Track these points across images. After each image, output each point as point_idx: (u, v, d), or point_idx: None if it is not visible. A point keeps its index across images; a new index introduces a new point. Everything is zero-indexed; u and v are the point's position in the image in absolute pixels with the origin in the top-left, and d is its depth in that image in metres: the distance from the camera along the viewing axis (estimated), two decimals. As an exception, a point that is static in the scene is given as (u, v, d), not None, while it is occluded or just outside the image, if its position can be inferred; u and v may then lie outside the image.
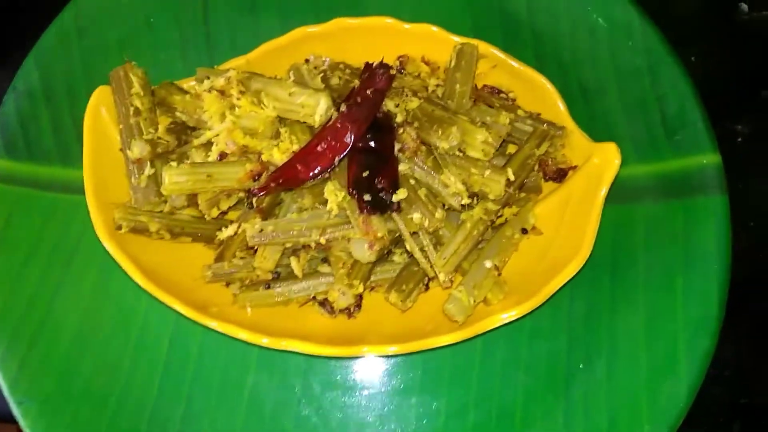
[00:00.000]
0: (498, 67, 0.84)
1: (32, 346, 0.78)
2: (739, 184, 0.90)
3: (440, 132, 0.70)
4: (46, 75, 0.88)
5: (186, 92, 0.78)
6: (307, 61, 0.84)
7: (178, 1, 0.92)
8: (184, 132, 0.78)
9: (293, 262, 0.75)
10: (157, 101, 0.78)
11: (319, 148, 0.67)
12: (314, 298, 0.77)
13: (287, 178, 0.68)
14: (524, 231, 0.78)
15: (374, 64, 0.73)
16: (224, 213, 0.77)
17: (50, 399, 0.77)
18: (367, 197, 0.67)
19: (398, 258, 0.77)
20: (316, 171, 0.68)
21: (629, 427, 0.76)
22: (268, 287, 0.76)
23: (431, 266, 0.72)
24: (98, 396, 0.77)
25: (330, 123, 0.69)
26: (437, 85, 0.82)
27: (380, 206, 0.67)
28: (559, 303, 0.80)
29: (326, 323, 0.77)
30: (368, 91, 0.69)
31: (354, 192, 0.68)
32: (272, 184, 0.68)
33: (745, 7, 1.03)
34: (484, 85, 0.85)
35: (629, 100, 0.88)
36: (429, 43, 0.84)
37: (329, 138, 0.67)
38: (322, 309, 0.77)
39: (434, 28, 0.84)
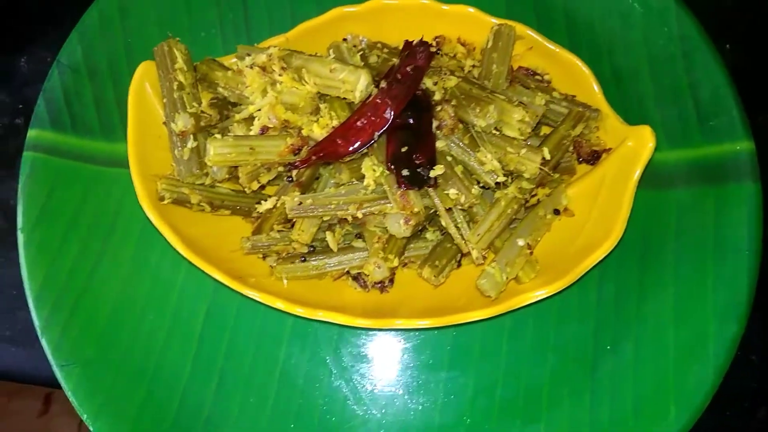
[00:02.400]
0: (534, 49, 0.84)
1: (73, 313, 0.81)
2: None
3: (477, 110, 0.71)
4: (89, 51, 0.90)
5: (227, 69, 0.79)
6: (345, 40, 0.85)
7: (216, -21, 0.94)
8: (225, 107, 0.79)
9: (329, 237, 0.76)
10: (199, 77, 0.80)
11: (359, 124, 0.69)
12: (348, 272, 0.79)
13: (327, 152, 0.70)
14: (557, 212, 0.78)
15: (414, 42, 0.74)
16: (263, 187, 0.78)
17: (91, 364, 0.79)
18: (405, 172, 0.68)
19: (431, 235, 0.78)
20: (355, 146, 0.69)
21: (655, 409, 0.77)
22: (304, 260, 0.77)
23: (465, 242, 0.73)
24: (136, 365, 0.80)
25: (370, 99, 0.70)
26: (473, 66, 0.83)
27: (418, 181, 0.69)
28: (589, 285, 0.81)
29: (359, 297, 0.79)
30: (408, 68, 0.70)
31: (392, 167, 0.69)
32: (313, 158, 0.70)
33: None
34: (520, 67, 0.85)
35: (663, 86, 0.88)
36: (465, 24, 0.85)
37: (369, 114, 0.69)
38: (356, 283, 0.79)
39: (471, 9, 0.84)
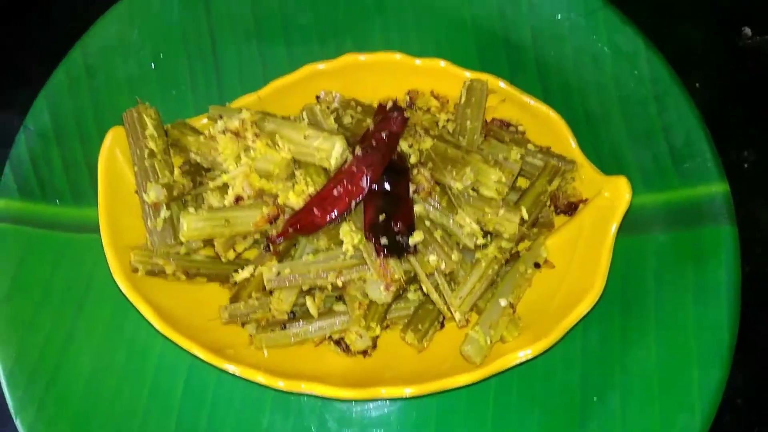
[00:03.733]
0: (507, 100, 0.84)
1: (48, 391, 0.78)
2: (746, 211, 0.90)
3: (454, 172, 0.70)
4: (57, 114, 0.88)
5: (200, 132, 0.78)
6: (317, 97, 0.85)
7: (185, 36, 0.93)
8: (198, 173, 0.78)
9: (309, 302, 0.75)
10: (170, 142, 0.79)
11: (335, 192, 0.68)
12: (330, 337, 0.77)
13: (304, 224, 0.69)
14: (537, 265, 0.78)
15: (388, 106, 0.73)
16: (240, 254, 0.77)
17: (67, 444, 0.76)
18: (383, 240, 0.68)
19: (413, 295, 0.78)
20: (332, 215, 0.68)
21: (645, 460, 0.76)
22: (284, 327, 0.76)
23: (447, 306, 0.72)
24: (114, 442, 0.77)
25: (345, 167, 0.69)
26: (447, 120, 0.83)
27: (397, 249, 0.68)
28: (572, 337, 0.80)
29: (342, 362, 0.77)
30: (383, 134, 0.69)
31: (371, 236, 0.68)
32: (289, 230, 0.69)
33: (748, 30, 1.03)
34: (494, 119, 0.86)
35: (636, 130, 0.88)
36: (438, 78, 0.85)
37: (345, 182, 0.68)
38: (338, 348, 0.77)
39: (443, 63, 0.84)
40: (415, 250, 0.69)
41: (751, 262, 0.91)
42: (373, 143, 0.69)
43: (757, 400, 0.89)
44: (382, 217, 0.68)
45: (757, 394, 0.89)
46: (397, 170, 0.70)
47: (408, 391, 0.71)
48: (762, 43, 1.03)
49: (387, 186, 0.69)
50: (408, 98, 0.86)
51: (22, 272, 0.82)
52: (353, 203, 0.68)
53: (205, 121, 0.82)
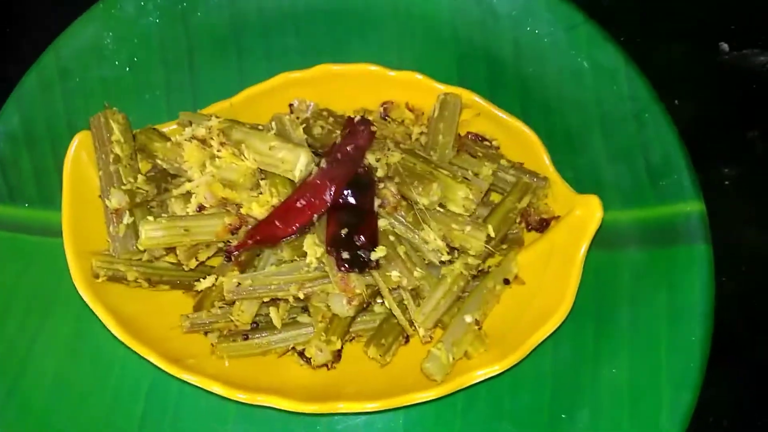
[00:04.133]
0: (482, 115, 0.84)
1: (10, 396, 0.77)
2: (728, 228, 0.90)
3: (421, 188, 0.69)
4: (28, 117, 0.87)
5: (167, 138, 0.77)
6: (291, 105, 0.84)
7: (162, 42, 0.92)
8: (164, 179, 0.77)
9: (272, 313, 0.74)
10: (137, 147, 0.78)
11: (298, 205, 0.67)
12: (293, 348, 0.76)
13: (265, 236, 0.68)
14: (506, 281, 0.77)
15: (356, 119, 0.73)
16: (202, 262, 0.76)
17: (26, 452, 0.76)
18: (345, 255, 0.67)
19: (378, 308, 0.77)
20: (294, 228, 0.67)
21: (613, 481, 0.75)
22: (247, 338, 0.75)
23: (410, 322, 0.71)
24: (74, 452, 0.76)
25: (310, 179, 0.69)
26: (421, 133, 0.82)
27: (358, 264, 0.67)
28: (543, 353, 0.79)
29: (305, 374, 0.76)
30: (349, 148, 0.69)
31: (332, 250, 0.67)
32: (250, 242, 0.68)
33: (725, 46, 1.02)
34: (468, 132, 0.85)
35: (614, 146, 0.88)
36: (413, 90, 0.84)
37: (308, 195, 0.67)
38: (301, 360, 0.76)
39: (419, 76, 0.84)
40: (377, 265, 0.68)
41: (735, 279, 0.90)
42: (339, 156, 0.68)
43: (743, 422, 0.87)
44: (344, 231, 0.67)
45: (743, 416, 0.88)
46: (363, 184, 0.69)
47: (370, 406, 0.70)
48: (740, 59, 1.02)
49: (351, 200, 0.69)
50: (382, 110, 0.85)
51: (-12, 275, 0.81)
52: (316, 216, 0.67)
53: (174, 126, 0.81)
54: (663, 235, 0.83)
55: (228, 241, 0.71)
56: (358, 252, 0.67)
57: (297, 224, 0.67)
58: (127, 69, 0.92)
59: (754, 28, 1.04)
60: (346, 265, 0.66)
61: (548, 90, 0.91)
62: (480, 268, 0.76)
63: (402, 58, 0.91)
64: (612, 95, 0.90)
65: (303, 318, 0.76)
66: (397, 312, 0.71)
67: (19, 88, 0.88)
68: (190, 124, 0.77)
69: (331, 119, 0.80)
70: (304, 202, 0.67)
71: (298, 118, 0.78)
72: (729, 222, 0.91)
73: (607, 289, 0.82)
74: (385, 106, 0.85)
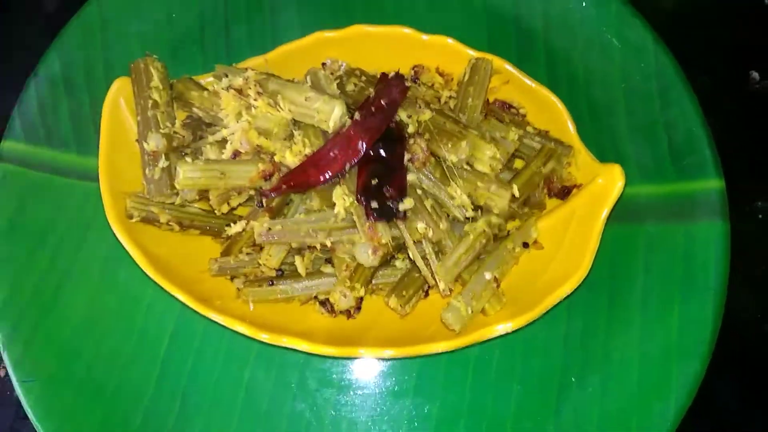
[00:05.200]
0: (511, 83, 0.85)
1: (38, 328, 0.80)
2: (761, 264, 0.91)
3: (450, 145, 0.71)
4: (68, 64, 0.90)
5: (204, 88, 0.79)
6: (323, 64, 0.85)
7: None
8: (199, 127, 0.79)
9: (297, 261, 0.76)
10: (175, 95, 0.80)
11: (331, 154, 0.69)
12: (316, 297, 0.79)
13: (298, 182, 0.70)
14: (525, 245, 0.79)
15: (390, 76, 0.74)
16: (233, 209, 0.78)
17: (52, 380, 0.78)
18: (374, 204, 0.69)
19: (400, 264, 0.79)
20: (327, 176, 0.69)
21: (617, 445, 0.77)
22: (272, 284, 0.77)
23: (432, 275, 0.73)
24: (98, 382, 0.79)
25: (343, 130, 0.70)
26: (450, 97, 0.83)
27: (386, 214, 0.69)
28: (557, 318, 0.81)
29: (326, 322, 0.79)
30: (382, 101, 0.70)
31: (362, 199, 0.69)
32: (283, 186, 0.70)
33: (756, 75, 1.02)
34: (496, 99, 0.86)
35: (637, 122, 0.89)
36: (444, 55, 0.86)
37: (342, 145, 0.69)
38: (323, 309, 0.79)
39: (450, 41, 0.85)
40: (404, 216, 0.70)
41: None
42: (372, 109, 0.70)
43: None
44: (374, 182, 0.69)
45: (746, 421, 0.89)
46: (394, 138, 0.71)
47: (387, 352, 0.72)
48: None
49: (382, 152, 0.70)
50: (413, 73, 0.87)
51: (22, 212, 0.84)
52: (348, 166, 0.69)
53: (210, 79, 0.83)
54: (681, 211, 0.84)
55: (261, 187, 0.73)
56: (387, 202, 0.68)
57: (329, 172, 0.69)
58: (165, 24, 0.94)
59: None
60: (375, 214, 0.68)
61: (576, 63, 0.92)
62: (501, 230, 0.78)
63: (434, 25, 0.92)
64: (638, 72, 0.91)
65: (326, 268, 0.78)
66: (420, 263, 0.73)
67: (62, 35, 0.90)
68: (227, 76, 0.78)
69: (363, 78, 0.81)
70: (337, 152, 0.68)
71: (332, 74, 0.79)
72: (760, 257, 0.91)
73: (623, 260, 0.84)
74: (415, 69, 0.86)
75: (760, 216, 0.95)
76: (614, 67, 0.92)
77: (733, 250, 0.83)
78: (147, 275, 0.76)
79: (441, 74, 0.86)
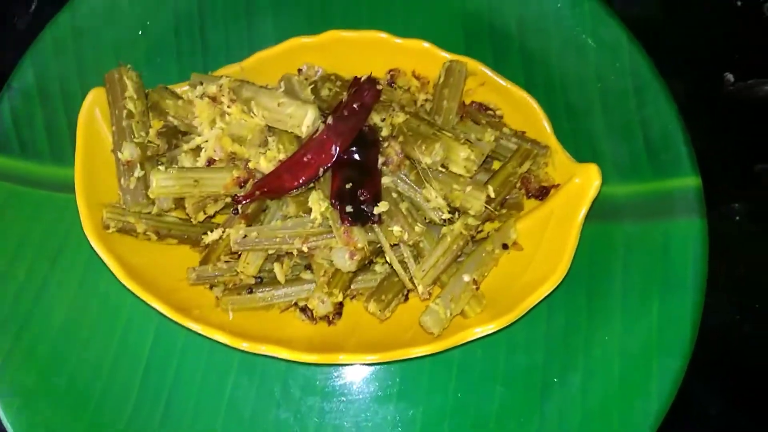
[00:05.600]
0: (486, 84, 0.85)
1: (17, 341, 0.79)
2: (741, 266, 0.91)
3: (424, 147, 0.71)
4: (42, 75, 0.89)
5: (179, 97, 0.79)
6: (300, 70, 0.86)
7: (174, 6, 0.94)
8: (175, 136, 0.79)
9: (276, 268, 0.76)
10: (150, 104, 0.80)
11: (305, 159, 0.69)
12: (296, 304, 0.78)
13: (273, 187, 0.70)
14: (505, 246, 0.79)
15: (362, 79, 0.74)
16: (211, 217, 0.78)
17: (32, 394, 0.78)
18: (349, 209, 0.69)
19: (379, 268, 0.79)
20: (301, 181, 0.69)
21: (600, 443, 0.77)
22: (251, 292, 0.77)
23: (411, 278, 0.73)
24: (79, 394, 0.78)
25: (316, 135, 0.70)
26: (426, 100, 0.84)
27: (361, 218, 0.69)
28: (538, 317, 0.82)
29: (306, 329, 0.78)
30: (355, 105, 0.70)
31: (336, 203, 0.69)
32: (257, 192, 0.70)
33: (730, 77, 1.01)
34: (472, 102, 0.86)
35: (614, 121, 0.90)
36: (420, 58, 0.86)
37: (315, 149, 0.69)
38: (303, 315, 0.79)
39: (425, 44, 0.85)
40: (379, 219, 0.70)
41: (749, 316, 0.91)
42: (345, 113, 0.70)
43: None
44: (348, 186, 0.69)
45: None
46: (368, 142, 0.71)
47: (369, 358, 0.72)
48: (745, 89, 1.01)
49: (356, 156, 0.70)
50: (389, 77, 0.87)
51: (-1, 225, 0.83)
52: (321, 170, 0.69)
53: (186, 87, 0.83)
54: (659, 209, 0.85)
55: (236, 195, 0.73)
56: (362, 206, 0.68)
57: (303, 177, 0.69)
58: (140, 32, 0.93)
59: (759, 57, 1.02)
60: (350, 218, 0.68)
61: (552, 65, 0.93)
62: (479, 231, 0.78)
63: (409, 29, 0.93)
64: (614, 71, 0.91)
65: (306, 275, 0.78)
66: (397, 267, 0.73)
67: (35, 46, 0.90)
68: (201, 84, 0.78)
69: (338, 83, 0.81)
70: (310, 156, 0.69)
71: (306, 79, 0.79)
72: (740, 258, 0.91)
73: (602, 259, 0.84)
74: (391, 73, 0.87)
75: (738, 218, 0.96)
76: (589, 66, 0.92)
77: (712, 251, 0.83)
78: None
79: (417, 77, 0.87)
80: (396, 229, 0.70)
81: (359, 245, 0.69)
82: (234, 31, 0.94)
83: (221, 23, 0.95)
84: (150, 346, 0.81)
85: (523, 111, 0.84)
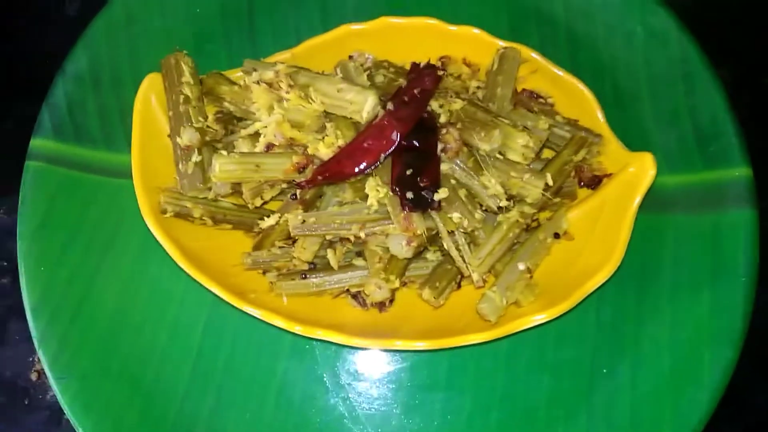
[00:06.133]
0: (538, 72, 0.85)
1: (72, 324, 0.80)
2: None
3: (482, 134, 0.71)
4: (94, 60, 0.90)
5: (234, 83, 0.79)
6: (351, 57, 0.86)
7: (223, -6, 0.94)
8: (230, 122, 0.80)
9: (330, 254, 0.76)
10: (205, 91, 0.80)
11: (365, 145, 0.69)
12: (348, 290, 0.79)
13: (333, 173, 0.70)
14: (557, 235, 0.79)
15: (421, 65, 0.74)
16: (266, 202, 0.78)
17: (88, 377, 0.79)
18: (409, 195, 0.69)
19: (431, 256, 0.79)
20: (361, 167, 0.69)
21: (651, 433, 0.77)
22: (305, 277, 0.77)
23: (466, 265, 0.73)
24: (132, 378, 0.79)
25: (377, 120, 0.70)
26: (477, 87, 0.83)
27: (422, 204, 0.69)
28: (586, 308, 0.81)
29: (358, 315, 0.79)
30: (415, 91, 0.70)
31: (397, 189, 0.69)
32: (319, 177, 0.70)
33: None
34: (524, 89, 0.86)
35: (662, 109, 0.89)
36: (470, 45, 0.86)
37: (375, 135, 0.69)
38: (355, 301, 0.79)
39: (476, 31, 0.85)
40: (439, 206, 0.70)
41: None
42: (405, 99, 0.70)
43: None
44: (409, 172, 0.69)
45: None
46: (427, 128, 0.71)
47: (421, 344, 0.72)
48: None
49: (416, 143, 0.70)
50: (440, 64, 0.86)
51: (53, 210, 0.84)
52: (382, 156, 0.69)
53: (239, 74, 0.83)
54: (709, 200, 0.84)
55: (294, 180, 0.73)
56: (422, 192, 0.68)
57: (364, 163, 0.69)
58: (188, 19, 0.94)
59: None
60: (410, 204, 0.68)
61: (599, 51, 0.92)
62: (534, 220, 0.78)
63: (456, 15, 0.92)
64: (662, 58, 0.90)
65: (358, 261, 0.78)
66: (454, 254, 0.73)
67: (88, 32, 0.90)
68: (255, 70, 0.79)
69: (392, 69, 0.81)
70: (371, 142, 0.69)
71: (361, 65, 0.79)
72: None
73: (652, 250, 0.83)
74: (442, 60, 0.86)
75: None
76: (637, 53, 0.91)
77: (763, 244, 0.82)
78: (180, 269, 0.76)
79: (468, 65, 0.86)
80: (455, 215, 0.70)
81: (418, 231, 0.69)
82: (281, 18, 0.94)
83: (268, 9, 0.95)
84: (202, 330, 0.81)
85: (575, 99, 0.84)
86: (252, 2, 0.95)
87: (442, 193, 0.70)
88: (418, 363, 0.81)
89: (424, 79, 0.71)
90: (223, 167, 0.71)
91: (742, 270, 0.81)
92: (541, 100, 0.85)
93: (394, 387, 0.80)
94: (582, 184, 0.83)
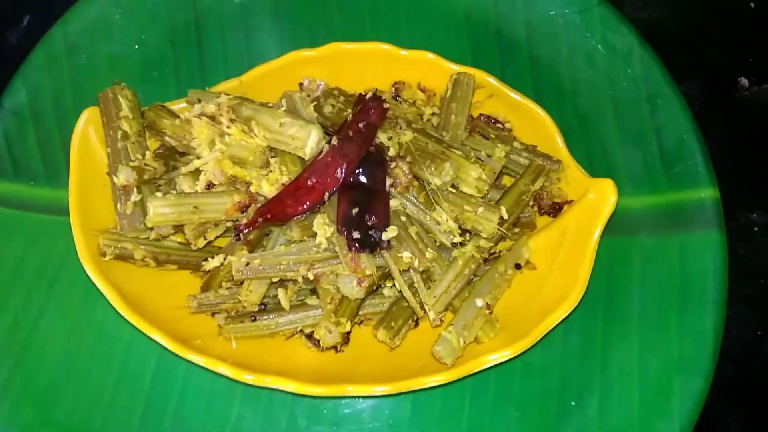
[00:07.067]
0: (495, 96, 0.83)
1: (13, 372, 0.76)
2: (761, 278, 0.89)
3: (433, 168, 0.68)
4: (34, 94, 0.86)
5: (176, 116, 0.76)
6: (301, 84, 0.83)
7: (170, 20, 0.91)
8: (172, 157, 0.76)
9: (281, 294, 0.73)
10: (146, 124, 0.77)
11: (309, 183, 0.66)
12: (301, 330, 0.76)
13: (275, 214, 0.67)
14: (518, 266, 0.76)
15: (367, 96, 0.71)
16: (210, 242, 0.75)
17: (30, 427, 0.75)
18: (356, 235, 0.66)
19: (388, 291, 0.76)
20: (305, 206, 0.66)
21: (621, 466, 0.74)
22: (254, 319, 0.74)
23: (421, 305, 0.70)
24: (78, 429, 0.75)
25: (321, 157, 0.67)
26: (433, 114, 0.81)
27: (369, 244, 0.66)
28: (552, 338, 0.78)
29: (313, 357, 0.75)
30: (360, 125, 0.67)
31: (343, 229, 0.66)
32: (260, 219, 0.67)
33: (745, 81, 0.99)
34: (481, 114, 0.84)
35: (627, 130, 0.87)
36: (425, 70, 0.83)
37: (320, 172, 0.66)
38: (309, 342, 0.76)
39: (430, 55, 0.82)
40: (389, 245, 0.67)
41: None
42: (350, 134, 0.67)
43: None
44: (355, 210, 0.66)
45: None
46: (374, 162, 0.68)
47: (378, 389, 0.69)
48: (760, 93, 0.98)
49: (363, 178, 0.67)
50: (394, 90, 0.84)
51: (-8, 251, 0.80)
52: (327, 195, 0.66)
53: (183, 104, 0.80)
54: (676, 222, 0.82)
55: (237, 220, 0.70)
56: (370, 232, 0.65)
57: (308, 202, 0.66)
58: (136, 47, 0.90)
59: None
60: (357, 245, 0.65)
61: (561, 72, 0.90)
62: (492, 252, 0.75)
63: (414, 39, 0.90)
64: (625, 78, 0.88)
65: (311, 300, 0.75)
66: (407, 294, 0.70)
67: (27, 63, 0.87)
68: (199, 101, 0.75)
69: (342, 98, 0.78)
70: (315, 180, 0.65)
71: (308, 96, 0.76)
72: (762, 270, 0.89)
73: (618, 275, 0.81)
74: (396, 86, 0.84)
75: (756, 228, 0.93)
76: (600, 73, 0.89)
77: (730, 264, 0.80)
78: (123, 315, 0.72)
79: (423, 90, 0.84)
80: (406, 255, 0.67)
81: (367, 272, 0.66)
82: (232, 44, 0.91)
83: (219, 35, 0.91)
84: (151, 377, 0.77)
85: (534, 123, 0.81)
86: (201, 27, 0.92)
87: (391, 232, 0.67)
88: (381, 403, 0.78)
89: (370, 111, 0.68)
90: (157, 211, 0.67)
91: (711, 294, 0.79)
92: (499, 125, 0.82)
93: (355, 429, 0.77)
94: (542, 211, 0.80)
